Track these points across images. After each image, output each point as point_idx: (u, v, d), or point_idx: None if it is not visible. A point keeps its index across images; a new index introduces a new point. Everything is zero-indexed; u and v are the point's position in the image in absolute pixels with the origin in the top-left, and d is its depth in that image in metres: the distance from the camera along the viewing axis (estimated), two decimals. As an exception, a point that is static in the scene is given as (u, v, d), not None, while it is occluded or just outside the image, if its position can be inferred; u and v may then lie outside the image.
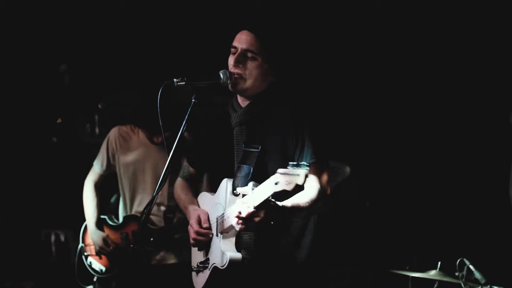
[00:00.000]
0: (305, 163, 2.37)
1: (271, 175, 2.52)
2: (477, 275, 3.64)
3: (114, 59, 5.52)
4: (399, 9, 4.69)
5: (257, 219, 2.53)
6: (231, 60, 2.81)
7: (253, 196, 2.49)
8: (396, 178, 4.80)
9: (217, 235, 2.76)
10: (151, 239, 4.13)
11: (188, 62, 5.19)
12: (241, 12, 5.00)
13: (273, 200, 2.52)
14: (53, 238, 5.89)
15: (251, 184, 2.52)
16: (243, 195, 2.58)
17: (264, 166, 2.74)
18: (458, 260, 3.70)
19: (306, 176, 2.35)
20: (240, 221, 2.53)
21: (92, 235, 4.33)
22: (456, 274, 3.70)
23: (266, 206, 2.52)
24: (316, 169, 2.76)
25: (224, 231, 2.71)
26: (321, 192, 2.76)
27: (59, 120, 4.41)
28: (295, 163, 2.36)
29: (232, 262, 2.65)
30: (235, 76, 2.78)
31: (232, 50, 2.81)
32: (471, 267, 3.66)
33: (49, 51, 5.62)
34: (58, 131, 5.62)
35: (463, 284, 3.67)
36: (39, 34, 5.43)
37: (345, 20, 4.83)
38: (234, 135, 2.88)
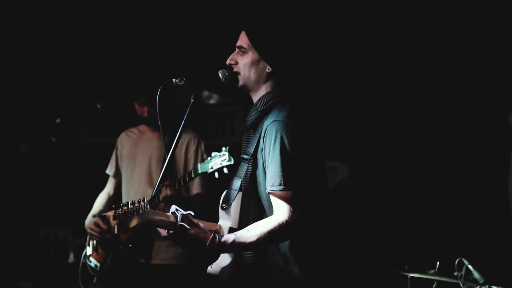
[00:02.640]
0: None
1: (260, 186, 2.64)
2: (476, 275, 3.64)
3: (114, 59, 5.52)
4: (399, 9, 4.70)
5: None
6: None
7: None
8: (395, 178, 4.80)
9: None
10: (149, 238, 4.14)
11: (188, 62, 5.20)
12: (241, 12, 5.01)
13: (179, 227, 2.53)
14: (52, 238, 5.91)
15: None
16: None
17: (254, 182, 2.71)
18: (457, 260, 3.70)
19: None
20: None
21: (86, 222, 4.40)
22: (455, 274, 3.70)
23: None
24: (280, 198, 2.59)
25: None
26: (283, 225, 2.56)
27: (58, 120, 4.41)
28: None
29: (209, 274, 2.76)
30: (235, 74, 2.83)
31: None
32: (470, 267, 3.66)
33: (49, 51, 5.62)
34: (57, 131, 5.62)
35: (462, 284, 3.67)
36: (39, 34, 5.44)
37: (345, 20, 4.84)
38: (242, 142, 2.90)
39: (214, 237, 2.57)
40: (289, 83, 2.82)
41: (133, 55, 5.47)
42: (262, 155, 2.68)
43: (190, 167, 4.35)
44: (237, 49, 2.83)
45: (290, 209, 2.57)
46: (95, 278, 4.37)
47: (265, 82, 2.81)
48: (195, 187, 4.31)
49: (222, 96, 5.68)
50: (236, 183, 2.75)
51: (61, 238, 5.89)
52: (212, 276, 2.76)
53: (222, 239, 2.57)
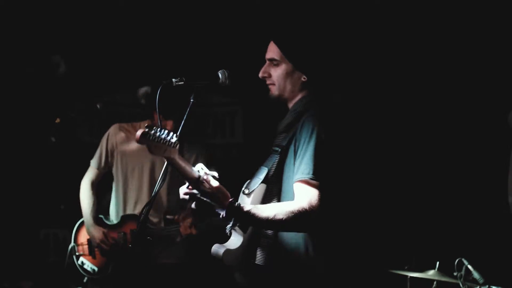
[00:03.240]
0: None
1: (285, 180, 2.70)
2: (476, 275, 3.65)
3: (113, 59, 5.52)
4: (399, 9, 4.70)
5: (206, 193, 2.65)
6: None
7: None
8: (395, 178, 4.80)
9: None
10: (149, 237, 4.13)
11: (188, 62, 5.20)
12: (241, 12, 5.01)
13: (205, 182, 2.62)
14: (52, 238, 5.90)
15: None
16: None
17: (281, 171, 2.77)
18: (457, 260, 3.70)
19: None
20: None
21: (91, 230, 4.29)
22: (455, 274, 3.71)
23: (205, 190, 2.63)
24: (302, 188, 2.65)
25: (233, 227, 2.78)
26: (303, 212, 2.61)
27: (57, 120, 4.41)
28: None
29: (213, 255, 2.82)
30: (269, 86, 2.91)
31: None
32: (469, 267, 3.67)
33: (48, 50, 5.61)
34: (57, 131, 5.62)
35: (462, 284, 3.67)
36: (38, 34, 5.43)
37: (344, 19, 4.84)
38: (274, 142, 2.94)
39: (234, 199, 2.64)
40: (322, 88, 2.88)
41: (132, 55, 5.47)
42: (294, 148, 2.73)
43: None
44: (268, 62, 2.88)
45: (312, 199, 2.62)
46: (86, 278, 4.33)
47: (300, 90, 2.87)
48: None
49: (222, 96, 5.68)
50: (262, 172, 2.81)
51: (61, 238, 5.88)
52: (216, 257, 2.81)
53: (240, 204, 2.63)
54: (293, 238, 2.74)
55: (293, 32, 2.96)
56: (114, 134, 4.34)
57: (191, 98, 2.75)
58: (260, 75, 2.89)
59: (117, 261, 4.23)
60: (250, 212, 2.62)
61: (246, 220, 2.66)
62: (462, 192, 4.62)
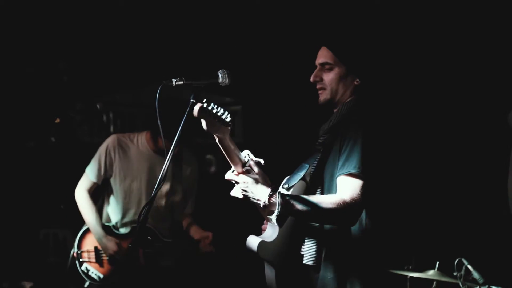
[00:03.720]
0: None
1: (327, 176, 2.73)
2: (476, 275, 3.65)
3: (113, 59, 5.52)
4: (399, 9, 4.69)
5: (242, 185, 2.70)
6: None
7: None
8: (394, 178, 4.79)
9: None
10: (149, 237, 4.13)
11: (188, 62, 5.20)
12: (241, 12, 5.01)
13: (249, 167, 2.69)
14: (51, 238, 5.90)
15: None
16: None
17: (322, 168, 2.79)
18: (457, 260, 3.70)
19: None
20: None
21: (104, 242, 4.26)
22: (455, 274, 3.70)
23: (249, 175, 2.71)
24: (346, 181, 2.67)
25: (268, 219, 2.82)
26: (345, 205, 2.63)
27: (57, 120, 4.41)
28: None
29: (248, 247, 2.81)
30: (319, 91, 2.93)
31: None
32: (469, 267, 3.67)
33: (48, 50, 5.61)
34: (57, 131, 5.62)
35: (462, 284, 3.67)
36: (38, 34, 5.43)
37: (345, 20, 4.84)
38: (318, 142, 2.95)
39: (276, 186, 2.69)
40: (373, 91, 2.92)
41: (132, 55, 5.47)
42: (340, 145, 2.75)
43: (188, 195, 4.40)
44: (319, 66, 2.91)
45: (355, 194, 2.64)
46: (88, 283, 4.33)
47: (352, 93, 2.91)
48: (191, 207, 4.48)
49: (222, 96, 5.68)
50: (303, 168, 2.85)
51: (61, 238, 5.88)
52: (250, 249, 2.81)
53: (282, 192, 2.68)
54: (341, 233, 2.74)
55: (346, 36, 3.00)
56: (112, 147, 4.33)
57: (191, 98, 2.74)
58: (312, 79, 2.92)
59: (123, 273, 4.24)
60: (290, 199, 2.64)
61: (287, 208, 2.65)
62: (462, 192, 4.62)
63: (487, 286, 3.61)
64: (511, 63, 4.42)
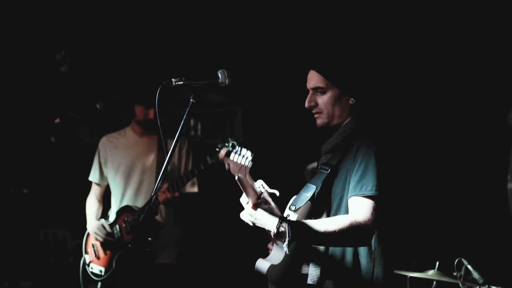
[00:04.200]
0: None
1: (335, 197, 2.72)
2: (475, 275, 3.64)
3: (113, 59, 5.52)
4: (399, 9, 4.69)
5: (251, 218, 2.68)
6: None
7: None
8: (394, 178, 4.79)
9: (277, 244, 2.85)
10: (149, 239, 4.14)
11: (188, 62, 5.20)
12: (241, 12, 5.01)
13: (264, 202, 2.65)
14: (51, 238, 5.90)
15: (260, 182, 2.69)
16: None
17: (331, 189, 2.78)
18: (456, 260, 3.70)
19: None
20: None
21: (93, 229, 4.37)
22: (454, 274, 3.70)
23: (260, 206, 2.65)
24: (362, 202, 2.66)
25: (274, 241, 2.83)
26: (358, 226, 2.62)
27: (57, 120, 4.41)
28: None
29: (257, 270, 2.80)
30: (315, 115, 2.89)
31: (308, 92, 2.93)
32: (469, 267, 3.66)
33: (48, 50, 5.61)
34: (57, 131, 5.62)
35: (461, 284, 3.67)
36: (38, 34, 5.43)
37: (345, 20, 4.84)
38: (319, 162, 2.93)
39: (285, 216, 2.70)
40: (369, 108, 2.90)
41: (132, 55, 5.47)
42: (350, 165, 2.73)
43: (183, 167, 4.39)
44: (312, 91, 2.86)
45: (368, 214, 2.65)
46: (99, 284, 4.36)
47: (349, 113, 2.87)
48: (189, 186, 4.36)
49: (222, 96, 5.68)
50: (310, 189, 2.80)
51: (61, 238, 5.88)
52: (259, 272, 2.81)
53: (290, 213, 2.69)
54: (347, 255, 2.74)
55: (333, 57, 2.95)
56: (103, 146, 4.49)
57: (191, 98, 2.74)
58: (307, 105, 2.87)
59: (119, 255, 4.26)
60: (302, 225, 2.63)
61: (298, 235, 2.64)
62: (462, 192, 4.61)
63: (487, 286, 3.60)
64: (511, 63, 4.42)
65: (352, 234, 2.62)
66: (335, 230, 2.60)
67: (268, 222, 2.65)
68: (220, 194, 4.59)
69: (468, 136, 4.63)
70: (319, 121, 2.88)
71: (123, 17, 5.24)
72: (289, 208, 2.81)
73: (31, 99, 5.71)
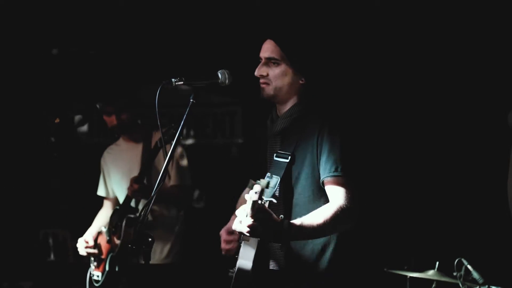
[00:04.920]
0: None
1: (300, 186, 2.67)
2: (475, 275, 3.64)
3: (113, 59, 5.52)
4: (399, 9, 4.69)
5: (249, 228, 2.48)
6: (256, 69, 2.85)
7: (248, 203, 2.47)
8: (394, 178, 4.80)
9: (240, 242, 2.73)
10: (150, 239, 4.13)
11: (188, 62, 5.20)
12: (241, 12, 5.01)
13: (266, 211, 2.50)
14: (51, 238, 5.90)
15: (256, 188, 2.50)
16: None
17: (293, 177, 2.74)
18: (456, 260, 3.70)
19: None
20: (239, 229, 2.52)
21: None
22: (454, 274, 3.70)
23: (259, 216, 2.46)
24: (338, 183, 2.64)
25: (245, 239, 2.68)
26: (345, 210, 2.61)
27: (57, 120, 4.42)
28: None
29: (240, 270, 2.65)
30: (262, 84, 2.83)
31: (260, 60, 2.86)
32: (469, 267, 3.66)
33: (48, 50, 5.62)
34: (56, 131, 5.63)
35: (461, 284, 3.67)
36: (38, 34, 5.44)
37: (344, 20, 4.84)
38: (268, 145, 2.89)
39: (284, 219, 2.58)
40: (319, 92, 2.85)
41: (132, 55, 5.47)
42: (312, 150, 2.69)
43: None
44: (264, 60, 2.82)
45: (348, 194, 2.63)
46: None
47: (296, 92, 2.83)
48: (173, 179, 4.27)
49: (222, 96, 5.68)
50: (273, 181, 2.72)
51: (61, 238, 5.89)
52: (244, 273, 2.71)
53: (290, 221, 2.57)
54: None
55: (295, 33, 2.90)
56: (104, 160, 4.47)
57: (191, 98, 2.74)
58: (257, 73, 2.82)
59: (109, 258, 4.24)
60: (302, 225, 2.57)
61: (299, 234, 2.60)
62: (462, 192, 4.61)
63: (487, 286, 3.60)
64: (511, 63, 4.42)
65: (344, 219, 2.62)
66: (328, 221, 2.58)
67: (272, 225, 2.53)
68: (220, 194, 4.60)
69: (468, 136, 4.63)
70: (264, 92, 2.83)
71: (123, 17, 5.25)
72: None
73: (31, 99, 5.72)
